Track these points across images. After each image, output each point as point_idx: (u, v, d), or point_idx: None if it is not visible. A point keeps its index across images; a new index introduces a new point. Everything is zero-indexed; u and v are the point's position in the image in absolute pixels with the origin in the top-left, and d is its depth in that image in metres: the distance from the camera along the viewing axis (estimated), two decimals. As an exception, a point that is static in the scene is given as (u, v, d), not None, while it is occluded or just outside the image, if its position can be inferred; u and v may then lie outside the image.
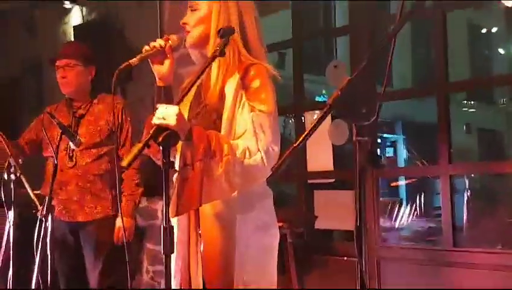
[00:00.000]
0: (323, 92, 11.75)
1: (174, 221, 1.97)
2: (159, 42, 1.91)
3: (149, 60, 1.92)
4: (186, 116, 1.95)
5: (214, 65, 1.94)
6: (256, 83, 1.88)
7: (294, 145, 1.26)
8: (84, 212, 3.19)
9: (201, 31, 1.98)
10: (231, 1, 1.99)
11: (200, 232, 1.91)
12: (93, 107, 3.27)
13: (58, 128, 2.81)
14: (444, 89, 3.39)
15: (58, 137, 2.85)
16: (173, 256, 1.96)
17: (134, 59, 1.85)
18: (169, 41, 1.91)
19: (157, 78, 1.95)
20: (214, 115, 1.91)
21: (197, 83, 1.99)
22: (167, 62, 1.92)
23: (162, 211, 1.67)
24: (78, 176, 3.18)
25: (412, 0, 1.42)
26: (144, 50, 1.90)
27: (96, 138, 3.21)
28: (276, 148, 1.86)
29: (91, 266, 3.20)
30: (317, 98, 11.91)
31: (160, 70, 1.93)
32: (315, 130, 1.27)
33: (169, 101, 1.93)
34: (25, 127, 3.44)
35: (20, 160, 2.83)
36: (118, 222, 3.17)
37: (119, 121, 3.24)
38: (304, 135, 1.26)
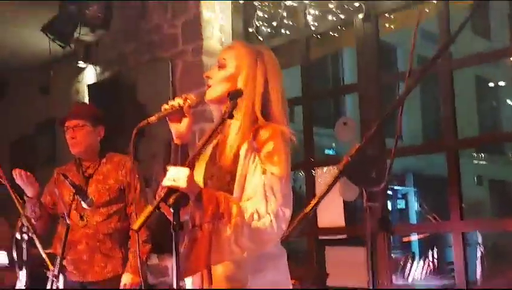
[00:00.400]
0: (333, 145, 11.80)
1: (188, 281, 1.97)
2: (178, 101, 1.93)
3: (167, 118, 1.94)
4: (201, 176, 1.97)
5: (232, 127, 1.95)
6: (269, 146, 1.87)
7: (305, 211, 1.27)
8: (94, 271, 3.18)
9: (224, 89, 1.98)
10: (260, 66, 1.99)
11: None
12: (102, 167, 3.30)
13: (71, 188, 2.84)
14: (453, 146, 3.41)
15: (71, 197, 2.88)
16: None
17: (153, 117, 1.87)
18: (188, 101, 1.93)
19: (174, 137, 1.97)
20: (228, 177, 1.90)
21: (212, 144, 2.03)
22: (185, 121, 1.94)
23: (173, 269, 1.67)
24: (88, 235, 3.19)
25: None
26: (162, 109, 1.92)
27: (106, 197, 3.23)
28: (288, 212, 1.84)
29: None
30: (327, 151, 11.96)
31: (178, 129, 1.95)
32: (326, 194, 1.28)
33: (184, 158, 1.94)
34: (39, 181, 3.47)
35: (32, 220, 2.84)
36: (124, 279, 3.15)
37: (127, 180, 3.27)
38: (314, 201, 1.27)
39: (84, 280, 3.19)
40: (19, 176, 3.02)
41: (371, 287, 1.26)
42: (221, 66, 2.02)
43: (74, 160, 3.38)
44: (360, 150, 1.28)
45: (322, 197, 1.27)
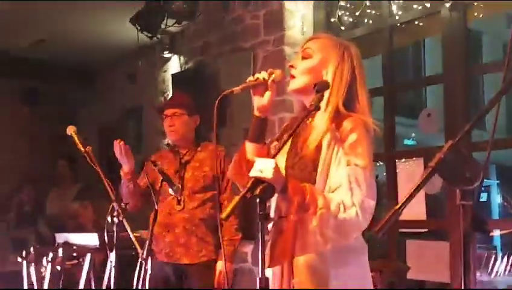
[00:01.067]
0: (413, 135, 11.52)
1: (268, 271, 2.00)
2: (263, 75, 1.96)
3: (251, 90, 1.98)
4: (283, 166, 1.98)
5: (316, 117, 1.96)
6: (353, 137, 1.87)
7: (396, 208, 1.27)
8: (189, 254, 3.28)
9: (308, 80, 1.99)
10: (346, 59, 2.00)
11: (293, 284, 1.90)
12: (198, 155, 3.41)
13: (160, 175, 2.95)
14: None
15: (159, 184, 2.99)
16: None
17: (237, 88, 1.91)
18: (273, 75, 1.96)
19: (255, 109, 2.01)
20: (310, 166, 1.91)
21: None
22: (267, 94, 1.97)
23: (252, 255, 1.70)
24: (185, 219, 3.29)
25: None
26: (247, 81, 1.96)
27: (201, 183, 3.33)
28: (372, 203, 1.84)
29: None
30: (406, 142, 11.69)
31: (260, 101, 1.98)
32: (417, 192, 1.28)
33: (263, 132, 2.00)
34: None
35: (123, 204, 2.97)
36: (219, 266, 3.25)
37: (221, 168, 3.35)
38: (405, 198, 1.27)
39: (178, 262, 3.30)
40: (118, 148, 3.16)
41: (464, 286, 1.25)
42: (306, 56, 2.03)
43: (170, 147, 3.51)
44: (454, 147, 1.27)
45: (413, 194, 1.27)
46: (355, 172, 1.84)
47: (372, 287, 2.00)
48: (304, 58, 2.03)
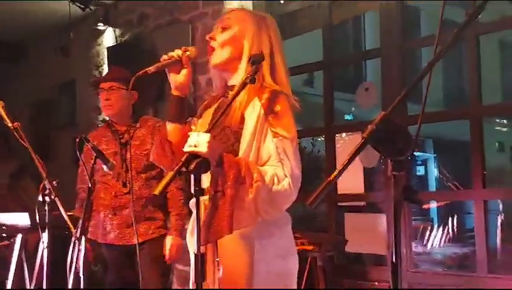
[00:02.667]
0: (352, 110, 11.69)
1: (190, 247, 1.97)
2: (177, 52, 1.93)
3: (166, 70, 1.94)
4: None
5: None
6: (277, 109, 1.88)
7: (329, 179, 1.25)
8: (139, 233, 3.19)
9: (229, 53, 1.98)
10: (264, 29, 2.00)
11: (218, 259, 1.89)
12: (137, 132, 3.30)
13: (93, 152, 2.84)
14: (477, 113, 3.34)
15: (92, 161, 2.89)
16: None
17: (151, 67, 1.87)
18: (187, 52, 1.93)
19: (172, 88, 1.97)
20: (232, 138, 1.91)
21: (212, 107, 2.02)
22: (184, 72, 1.94)
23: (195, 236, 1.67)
24: (132, 201, 3.20)
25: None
26: (161, 59, 1.92)
27: (144, 161, 3.23)
28: (299, 174, 1.87)
29: (145, 281, 3.23)
30: (346, 117, 11.86)
31: (177, 79, 1.95)
32: (350, 163, 1.25)
33: (183, 111, 1.97)
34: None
35: (54, 182, 2.86)
36: (169, 241, 3.20)
37: None
38: (338, 169, 1.24)
39: (128, 243, 3.23)
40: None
41: (394, 256, 1.24)
42: (226, 27, 2.01)
43: (106, 124, 3.39)
44: (386, 118, 1.25)
45: (346, 165, 1.24)
46: (283, 143, 1.85)
47: (297, 258, 2.00)
48: (223, 29, 2.01)
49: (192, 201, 1.91)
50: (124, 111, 3.31)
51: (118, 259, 3.29)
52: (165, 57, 1.92)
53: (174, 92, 1.97)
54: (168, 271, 3.40)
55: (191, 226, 2.02)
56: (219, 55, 1.99)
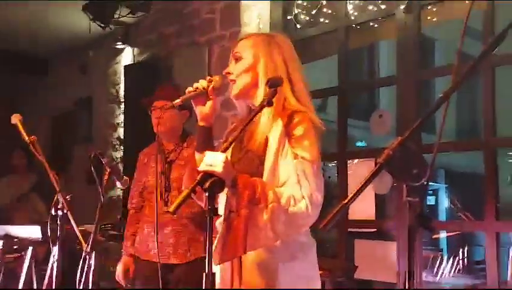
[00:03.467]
0: (365, 137, 11.68)
1: (216, 267, 1.97)
2: (202, 83, 1.95)
3: (191, 101, 1.96)
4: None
5: (263, 112, 1.93)
6: (299, 131, 1.88)
7: (343, 203, 1.26)
8: (178, 254, 3.23)
9: (245, 82, 1.99)
10: (275, 50, 2.00)
11: (243, 282, 1.89)
12: (183, 152, 3.34)
13: (107, 167, 2.87)
14: (492, 144, 3.34)
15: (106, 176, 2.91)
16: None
17: (178, 100, 1.90)
18: (212, 83, 1.95)
19: (198, 119, 1.99)
20: (256, 161, 1.91)
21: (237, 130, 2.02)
22: (209, 103, 1.96)
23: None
24: (173, 220, 3.22)
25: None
26: (187, 91, 1.94)
27: None
28: (320, 196, 1.84)
29: None
30: (358, 144, 11.84)
31: (203, 111, 1.97)
32: (364, 188, 1.26)
33: (210, 141, 1.99)
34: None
35: (68, 197, 2.88)
36: None
37: None
38: (353, 194, 1.25)
39: (167, 262, 3.21)
40: None
41: (408, 284, 1.24)
42: (237, 59, 2.02)
43: (156, 142, 3.43)
44: (402, 143, 1.26)
45: (360, 190, 1.25)
46: (303, 165, 1.84)
47: (320, 283, 2.00)
48: (236, 61, 2.03)
49: (220, 220, 1.92)
50: (174, 130, 3.35)
51: (155, 277, 3.28)
52: (190, 89, 1.94)
53: (201, 123, 1.99)
54: None
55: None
56: (236, 86, 2.01)
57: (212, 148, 1.99)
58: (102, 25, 4.93)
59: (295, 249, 1.89)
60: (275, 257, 1.85)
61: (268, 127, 1.91)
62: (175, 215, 3.11)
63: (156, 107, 3.34)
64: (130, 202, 3.43)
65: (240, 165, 1.95)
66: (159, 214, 3.20)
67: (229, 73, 2.02)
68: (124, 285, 3.35)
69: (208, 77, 1.96)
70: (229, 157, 1.95)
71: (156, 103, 3.36)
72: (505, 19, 1.32)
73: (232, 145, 1.96)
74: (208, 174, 1.69)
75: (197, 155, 2.00)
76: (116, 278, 3.37)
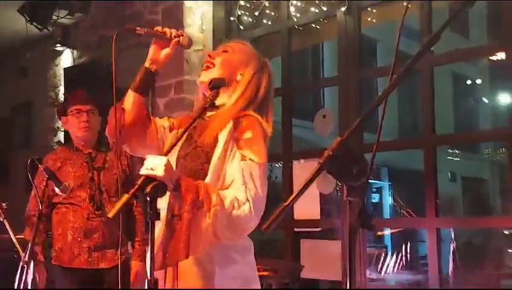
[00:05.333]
0: (310, 137, 11.81)
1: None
2: (173, 32, 1.95)
3: (153, 38, 1.95)
4: (175, 156, 1.94)
5: (218, 111, 1.95)
6: (248, 134, 1.86)
7: (285, 204, 1.25)
8: (106, 258, 3.19)
9: (223, 74, 1.97)
10: (265, 77, 2.00)
11: (178, 283, 1.84)
12: (107, 157, 3.29)
13: (45, 174, 2.78)
14: (431, 142, 3.42)
15: (44, 183, 2.83)
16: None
17: (143, 29, 1.91)
18: (181, 38, 1.95)
19: (147, 59, 1.98)
20: (203, 158, 1.89)
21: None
22: (166, 50, 1.96)
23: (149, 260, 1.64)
24: (104, 224, 3.18)
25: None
26: (155, 29, 1.94)
27: (113, 186, 3.22)
28: (264, 200, 1.83)
29: None
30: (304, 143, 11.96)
31: (156, 54, 1.96)
32: (306, 189, 1.26)
33: (148, 86, 2.00)
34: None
35: (4, 204, 2.79)
36: (134, 267, 3.21)
37: (130, 167, 3.28)
38: (294, 195, 1.24)
39: (95, 267, 3.17)
40: None
41: (349, 282, 1.25)
42: (227, 51, 2.02)
43: (69, 147, 3.33)
44: (342, 144, 1.26)
45: (302, 190, 1.25)
46: (250, 167, 1.82)
47: (259, 287, 1.97)
48: (224, 51, 2.02)
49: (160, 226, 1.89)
50: (95, 135, 3.31)
51: (85, 284, 3.20)
52: (159, 28, 1.95)
53: (147, 64, 1.98)
54: None
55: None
56: (211, 75, 1.97)
57: (147, 93, 2.01)
58: (39, 27, 4.79)
59: (233, 252, 1.86)
60: (212, 261, 1.83)
61: (220, 127, 1.89)
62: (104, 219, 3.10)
63: (82, 111, 3.26)
64: (33, 209, 3.18)
65: (185, 161, 1.93)
66: (89, 219, 3.15)
67: (211, 57, 2.01)
68: None
69: (181, 31, 1.97)
70: (177, 151, 1.95)
71: (82, 106, 3.28)
72: (442, 19, 1.35)
73: (177, 145, 1.93)
74: (150, 178, 1.66)
75: (131, 93, 1.98)
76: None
